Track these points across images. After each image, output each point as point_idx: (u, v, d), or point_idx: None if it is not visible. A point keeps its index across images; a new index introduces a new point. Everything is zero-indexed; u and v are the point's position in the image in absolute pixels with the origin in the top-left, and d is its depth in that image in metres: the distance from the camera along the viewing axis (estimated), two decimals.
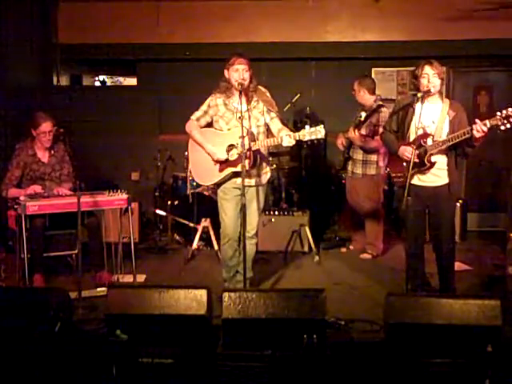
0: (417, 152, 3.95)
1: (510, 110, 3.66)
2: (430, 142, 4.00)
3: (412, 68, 4.14)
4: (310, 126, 3.92)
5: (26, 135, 4.80)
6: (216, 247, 5.48)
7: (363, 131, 5.36)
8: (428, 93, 3.95)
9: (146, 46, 6.85)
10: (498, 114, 3.69)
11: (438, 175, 4.06)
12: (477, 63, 6.81)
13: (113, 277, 4.80)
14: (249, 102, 4.20)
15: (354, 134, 5.35)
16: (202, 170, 4.33)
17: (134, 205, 5.82)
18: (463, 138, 3.83)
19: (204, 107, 4.28)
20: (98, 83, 9.07)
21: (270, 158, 4.89)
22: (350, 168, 5.55)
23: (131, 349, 3.06)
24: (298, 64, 6.94)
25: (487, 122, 3.71)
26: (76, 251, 4.65)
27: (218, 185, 4.31)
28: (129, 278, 4.75)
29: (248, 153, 4.02)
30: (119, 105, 6.95)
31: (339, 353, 3.29)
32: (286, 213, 5.75)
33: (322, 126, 3.88)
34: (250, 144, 4.04)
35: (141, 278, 4.86)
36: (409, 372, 2.99)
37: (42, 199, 4.48)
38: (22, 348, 3.07)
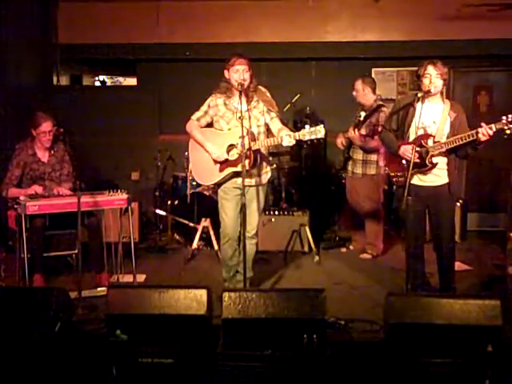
0: (418, 152, 3.95)
1: None
2: (430, 142, 4.00)
3: (413, 68, 4.14)
4: (310, 126, 3.92)
5: (26, 135, 4.80)
6: (216, 247, 5.48)
7: (363, 131, 5.36)
8: (428, 93, 3.95)
9: (145, 46, 6.85)
10: (504, 118, 3.68)
11: (438, 175, 4.06)
12: (477, 63, 6.81)
13: (113, 277, 4.80)
14: (249, 102, 4.20)
15: (353, 134, 5.35)
16: (203, 170, 4.33)
17: (134, 205, 5.83)
18: (467, 140, 3.82)
19: (204, 107, 4.28)
20: (98, 83, 9.07)
21: (270, 158, 4.89)
22: (349, 168, 5.55)
23: (131, 349, 3.06)
24: (298, 64, 6.94)
25: (493, 126, 3.71)
26: (76, 251, 4.66)
27: (219, 184, 4.31)
28: (129, 278, 4.75)
29: (248, 152, 4.03)
30: (119, 105, 6.95)
31: (339, 353, 3.29)
32: (286, 213, 5.75)
33: (321, 125, 3.89)
34: (250, 144, 4.04)
35: (141, 277, 4.86)
36: (409, 372, 2.99)
37: (42, 199, 4.48)
38: (22, 348, 3.07)
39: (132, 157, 6.85)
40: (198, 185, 5.51)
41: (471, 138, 3.80)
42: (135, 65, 7.31)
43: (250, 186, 4.19)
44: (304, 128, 3.94)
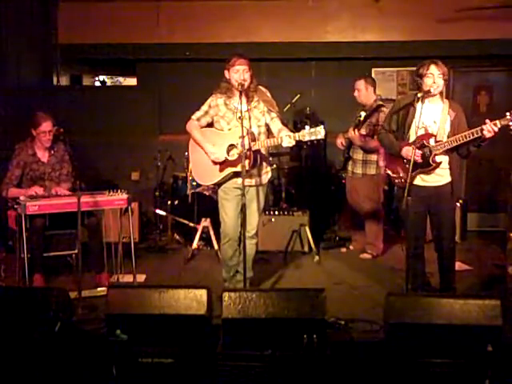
0: (420, 152, 3.95)
1: None
2: (432, 142, 3.99)
3: (413, 68, 4.12)
4: (310, 127, 3.93)
5: (26, 135, 4.80)
6: (216, 247, 5.48)
7: (363, 131, 5.36)
8: (429, 93, 3.94)
9: (145, 46, 6.85)
10: (508, 114, 3.68)
11: (440, 174, 4.06)
12: (477, 63, 6.81)
13: (113, 277, 4.80)
14: (249, 102, 4.20)
15: (353, 134, 5.35)
16: (203, 170, 4.33)
17: (134, 205, 5.83)
18: (472, 138, 3.82)
19: (205, 107, 4.28)
20: (98, 83, 9.07)
21: (270, 158, 4.89)
22: (350, 168, 5.55)
23: (131, 349, 3.06)
24: (298, 64, 6.94)
25: (497, 122, 3.71)
26: (76, 251, 4.65)
27: (219, 185, 4.31)
28: (129, 278, 4.75)
29: (248, 153, 4.03)
30: (119, 105, 6.96)
31: (339, 353, 3.29)
32: (286, 213, 5.75)
33: (321, 126, 3.89)
34: (250, 144, 4.04)
35: (141, 277, 4.86)
36: (409, 372, 2.99)
37: (42, 199, 4.48)
38: (22, 348, 3.07)
39: (132, 157, 6.85)
40: (198, 185, 5.51)
41: (476, 136, 3.80)
42: (135, 65, 7.31)
43: (250, 186, 4.19)
44: (304, 129, 3.94)
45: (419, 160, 3.96)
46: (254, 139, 4.12)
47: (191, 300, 3.11)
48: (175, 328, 3.11)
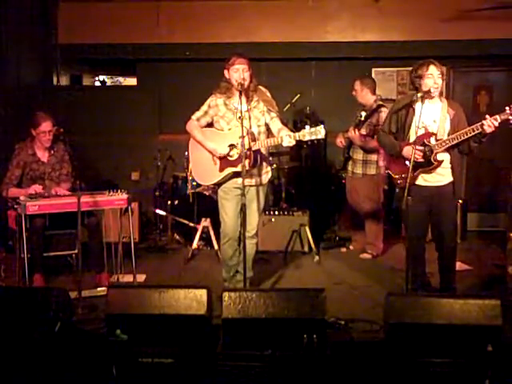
0: (422, 151, 3.95)
1: None
2: (433, 141, 3.99)
3: (411, 68, 4.11)
4: (310, 126, 3.92)
5: (26, 135, 4.80)
6: (216, 247, 5.48)
7: (363, 131, 5.36)
8: (429, 93, 3.95)
9: (145, 45, 6.85)
10: (507, 108, 3.70)
11: (442, 174, 4.06)
12: (477, 63, 6.81)
13: (113, 277, 4.80)
14: (249, 101, 4.20)
15: (354, 134, 5.35)
16: (203, 170, 4.33)
17: (134, 205, 5.83)
18: (472, 134, 3.83)
19: (204, 107, 4.28)
20: (98, 83, 9.06)
21: (270, 158, 4.89)
22: (350, 168, 5.55)
23: (131, 349, 3.05)
24: (298, 64, 6.94)
25: (497, 116, 3.73)
26: (76, 251, 4.65)
27: (219, 184, 4.31)
28: (129, 278, 4.75)
29: (248, 152, 4.03)
30: (119, 105, 6.95)
31: (339, 353, 3.29)
32: (286, 213, 5.75)
33: (322, 126, 3.88)
34: (250, 144, 4.04)
35: (141, 277, 4.86)
36: (409, 372, 2.99)
37: (42, 199, 4.48)
38: (22, 348, 3.07)
39: (132, 157, 6.85)
40: (198, 185, 5.51)
41: (476, 132, 3.81)
42: (135, 65, 7.31)
43: (250, 186, 4.19)
44: (304, 128, 3.94)
45: (420, 159, 3.96)
46: (253, 139, 4.11)
47: (191, 300, 3.11)
48: (175, 328, 3.11)
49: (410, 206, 3.80)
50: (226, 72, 4.16)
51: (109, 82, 9.29)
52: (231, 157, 4.15)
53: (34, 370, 3.03)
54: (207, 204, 5.71)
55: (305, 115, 6.40)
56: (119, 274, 4.82)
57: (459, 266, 4.83)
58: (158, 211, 6.29)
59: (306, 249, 5.68)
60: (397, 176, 4.20)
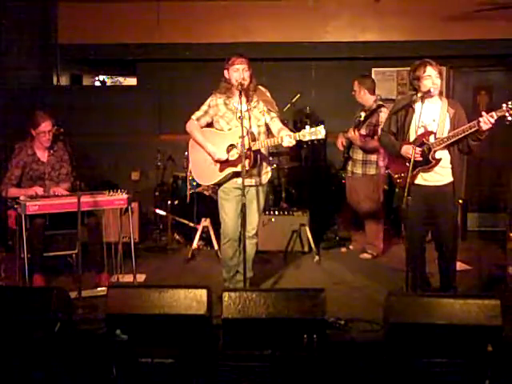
0: (420, 150, 3.95)
1: None
2: (432, 139, 4.00)
3: (409, 68, 4.11)
4: (311, 126, 3.92)
5: (26, 135, 4.80)
6: (216, 247, 5.48)
7: (363, 131, 5.36)
8: (429, 93, 3.95)
9: (145, 45, 6.85)
10: (504, 105, 3.70)
11: (441, 174, 4.06)
12: (477, 63, 6.81)
13: (113, 277, 4.80)
14: (249, 101, 4.20)
15: (353, 134, 5.35)
16: (203, 170, 4.33)
17: (134, 205, 5.82)
18: (469, 131, 3.83)
19: (204, 107, 4.28)
20: (98, 83, 9.07)
21: (271, 158, 4.89)
22: (349, 168, 5.55)
23: (131, 349, 3.05)
24: (298, 64, 6.94)
25: (494, 113, 3.73)
26: (76, 251, 4.65)
27: (219, 185, 4.31)
28: (129, 278, 4.75)
29: (248, 153, 4.03)
30: (119, 105, 6.95)
31: (339, 353, 3.29)
32: (286, 213, 5.75)
33: (322, 126, 3.88)
34: (250, 144, 4.04)
35: (141, 277, 4.86)
36: (409, 372, 2.99)
37: (42, 199, 4.48)
38: (21, 348, 3.07)
39: (132, 157, 6.85)
40: (198, 185, 5.51)
41: (473, 129, 3.81)
42: (135, 65, 7.32)
43: (250, 186, 4.19)
44: (304, 128, 3.94)
45: (419, 158, 3.96)
46: (253, 139, 4.11)
47: (191, 300, 3.10)
48: (175, 328, 3.11)
49: (409, 205, 3.80)
50: (225, 72, 4.16)
51: (109, 82, 9.30)
52: (231, 157, 4.15)
53: (34, 370, 3.03)
54: (207, 204, 5.71)
55: (305, 115, 6.40)
56: (119, 274, 4.82)
57: (459, 265, 4.83)
58: (158, 211, 6.29)
59: (306, 249, 5.68)
60: (396, 175, 4.21)
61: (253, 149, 4.07)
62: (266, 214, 5.67)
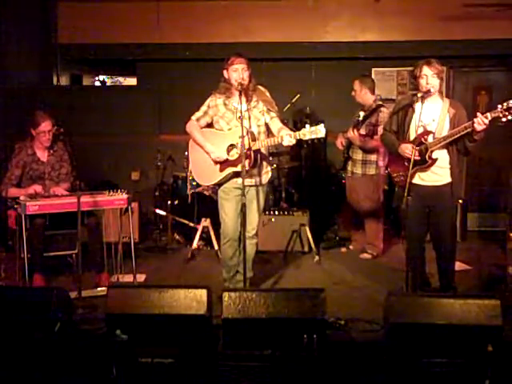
0: (418, 149, 3.95)
1: (510, 102, 3.68)
2: (430, 139, 4.00)
3: (411, 68, 4.13)
4: (311, 126, 3.92)
5: (26, 135, 4.80)
6: (216, 247, 5.48)
7: (362, 131, 5.36)
8: (428, 93, 3.95)
9: (145, 45, 6.85)
10: (499, 106, 3.71)
11: (439, 174, 4.06)
12: (477, 63, 6.81)
13: (113, 277, 4.80)
14: (249, 101, 4.20)
15: (353, 134, 5.36)
16: (203, 170, 4.33)
17: (134, 205, 5.82)
18: (464, 132, 3.83)
19: (204, 108, 4.28)
20: (98, 83, 9.08)
21: (271, 158, 4.89)
22: (349, 168, 5.55)
23: (131, 349, 3.05)
24: (298, 64, 6.94)
25: (488, 114, 3.73)
26: (76, 251, 4.65)
27: (219, 185, 4.30)
28: (129, 278, 4.75)
29: (248, 152, 4.02)
30: (119, 105, 6.95)
31: (339, 353, 3.29)
32: (285, 213, 5.75)
33: (322, 125, 3.88)
34: (250, 144, 4.04)
35: (141, 277, 4.86)
36: (409, 372, 2.99)
37: (41, 199, 4.48)
38: (21, 348, 3.07)
39: (132, 157, 6.85)
40: (198, 185, 5.51)
41: (467, 130, 3.81)
42: (135, 65, 7.32)
43: (250, 186, 4.19)
44: (304, 127, 3.94)
45: (416, 157, 3.96)
46: (253, 139, 4.11)
47: (191, 300, 3.10)
48: (175, 328, 3.11)
49: (409, 205, 3.80)
50: (225, 72, 4.16)
51: (109, 82, 9.30)
52: (231, 157, 4.15)
53: (34, 370, 3.03)
54: (207, 204, 5.71)
55: (305, 115, 6.41)
56: (119, 274, 4.81)
57: (459, 265, 4.84)
58: (158, 211, 6.29)
59: (306, 249, 5.68)
60: (395, 174, 4.22)
61: (253, 149, 4.07)
62: (266, 214, 5.67)
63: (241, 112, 3.95)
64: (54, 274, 4.88)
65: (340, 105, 6.42)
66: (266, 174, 4.35)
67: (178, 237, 6.10)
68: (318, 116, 6.44)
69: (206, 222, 5.64)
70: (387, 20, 6.58)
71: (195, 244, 5.61)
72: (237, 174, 4.15)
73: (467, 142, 3.91)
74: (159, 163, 6.30)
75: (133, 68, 7.43)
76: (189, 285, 3.29)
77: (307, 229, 5.62)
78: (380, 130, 5.07)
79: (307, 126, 3.93)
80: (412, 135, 4.08)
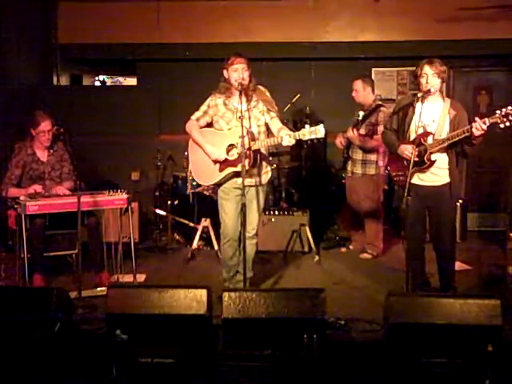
0: (417, 150, 3.96)
1: (509, 108, 3.68)
2: (430, 140, 4.01)
3: (413, 68, 4.15)
4: (310, 126, 3.92)
5: (26, 134, 4.80)
6: (216, 247, 5.48)
7: (362, 131, 5.36)
8: (428, 93, 3.95)
9: (145, 45, 6.85)
10: (498, 112, 3.71)
11: (438, 175, 4.06)
12: (477, 63, 6.81)
13: (113, 277, 4.80)
14: (248, 101, 4.20)
15: (352, 134, 5.36)
16: (202, 170, 4.33)
17: (134, 205, 5.82)
18: (462, 136, 3.84)
19: (204, 107, 4.28)
20: (97, 83, 9.07)
21: (271, 158, 4.89)
22: (349, 168, 5.55)
23: (131, 349, 3.05)
24: (298, 64, 6.94)
25: (486, 120, 3.72)
26: (76, 251, 4.65)
27: (219, 185, 4.30)
28: (129, 278, 4.75)
29: (248, 152, 4.02)
30: (119, 105, 6.95)
31: (339, 353, 3.29)
32: (285, 213, 5.75)
33: (321, 125, 3.89)
34: (250, 144, 4.04)
35: (141, 277, 4.86)
36: (409, 372, 2.99)
37: (41, 199, 4.48)
38: (21, 348, 3.07)
39: (132, 156, 6.85)
40: (198, 185, 5.51)
41: (466, 134, 3.81)
42: (135, 65, 7.31)
43: (250, 186, 4.19)
44: (304, 127, 3.94)
45: (415, 158, 3.97)
46: (253, 139, 4.11)
47: (191, 300, 3.10)
48: (175, 328, 3.11)
49: (409, 205, 3.80)
50: (225, 72, 4.16)
51: (109, 82, 9.29)
52: (231, 157, 4.15)
53: (34, 370, 3.03)
54: (207, 204, 5.71)
55: (305, 115, 6.41)
56: (119, 274, 4.81)
57: (459, 265, 4.84)
58: (158, 211, 6.29)
59: (306, 249, 5.68)
60: (394, 174, 4.23)
61: (252, 148, 4.07)
62: (266, 214, 5.67)
63: (241, 112, 3.95)
64: (54, 273, 4.88)
65: (340, 105, 6.42)
66: (266, 173, 4.35)
67: (178, 237, 6.10)
68: (317, 116, 6.44)
69: (206, 222, 5.64)
70: (387, 20, 6.58)
71: (195, 244, 5.61)
72: (237, 174, 4.15)
73: (465, 144, 3.92)
74: (159, 163, 6.30)
75: (133, 68, 7.42)
76: (189, 285, 3.29)
77: (307, 229, 5.62)
78: (380, 129, 5.07)
79: (307, 126, 3.93)
80: (412, 135, 4.08)
